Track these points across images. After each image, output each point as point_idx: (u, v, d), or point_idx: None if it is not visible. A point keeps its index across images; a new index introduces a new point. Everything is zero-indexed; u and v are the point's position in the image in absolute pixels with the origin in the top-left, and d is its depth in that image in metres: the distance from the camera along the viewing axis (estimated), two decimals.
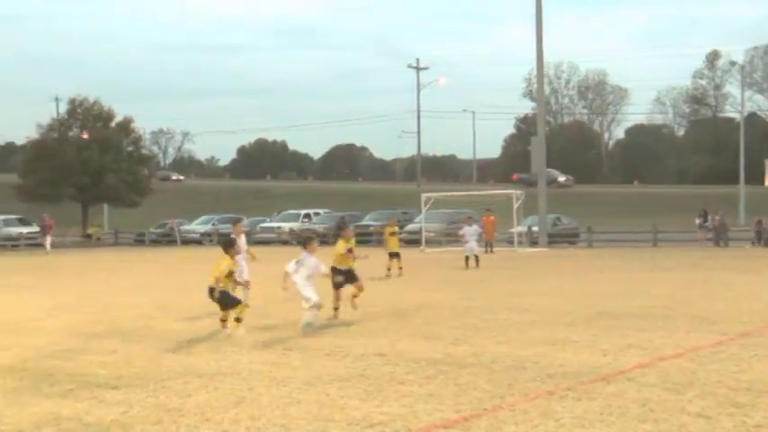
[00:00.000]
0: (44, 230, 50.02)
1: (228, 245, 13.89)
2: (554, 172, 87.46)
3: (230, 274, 13.47)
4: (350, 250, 15.22)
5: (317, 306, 13.13)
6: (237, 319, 13.15)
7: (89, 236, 61.60)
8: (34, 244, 55.65)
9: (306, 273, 13.12)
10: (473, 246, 29.20)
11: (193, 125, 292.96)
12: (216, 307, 13.47)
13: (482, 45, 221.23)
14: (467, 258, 28.75)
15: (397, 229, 26.64)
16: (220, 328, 13.44)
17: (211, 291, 13.14)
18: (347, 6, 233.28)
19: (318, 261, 13.35)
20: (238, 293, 14.24)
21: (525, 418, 7.64)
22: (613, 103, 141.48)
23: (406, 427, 7.48)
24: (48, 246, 48.65)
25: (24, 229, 57.36)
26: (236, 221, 19.75)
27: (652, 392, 8.51)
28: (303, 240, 14.11)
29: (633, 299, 17.40)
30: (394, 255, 25.78)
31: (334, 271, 14.59)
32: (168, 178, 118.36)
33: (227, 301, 13.23)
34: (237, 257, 15.93)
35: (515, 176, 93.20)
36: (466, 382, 9.26)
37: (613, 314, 14.91)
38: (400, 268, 25.26)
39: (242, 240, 17.42)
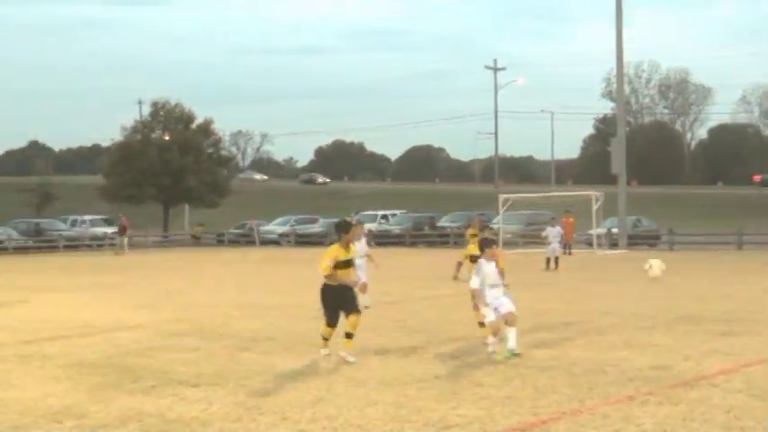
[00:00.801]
0: (121, 231, 50.56)
1: (342, 228, 11.30)
2: None
3: (347, 266, 11.02)
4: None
5: (495, 329, 11.04)
6: (348, 335, 10.88)
7: (197, 237, 62.55)
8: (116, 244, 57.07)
9: (489, 282, 11.25)
10: (555, 247, 28.99)
11: (272, 127, 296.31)
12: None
13: (561, 44, 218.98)
14: (548, 260, 28.54)
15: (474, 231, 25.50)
16: (322, 348, 11.17)
17: (324, 290, 11.02)
18: (425, 7, 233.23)
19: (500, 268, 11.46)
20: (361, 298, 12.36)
21: (605, 423, 7.53)
22: (696, 103, 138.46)
23: (483, 429, 7.44)
24: (125, 246, 49.13)
25: (109, 229, 58.72)
26: (357, 222, 19.53)
27: (737, 399, 8.30)
28: (483, 244, 11.93)
29: (715, 303, 17.01)
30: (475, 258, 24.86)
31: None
32: (251, 178, 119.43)
33: (337, 303, 10.89)
34: (357, 260, 15.72)
35: (757, 178, 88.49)
36: (544, 384, 9.17)
37: (695, 318, 14.60)
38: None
39: (362, 243, 17.09)
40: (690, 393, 8.60)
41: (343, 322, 10.89)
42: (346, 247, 11.06)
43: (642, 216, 50.66)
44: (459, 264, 13.38)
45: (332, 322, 11.02)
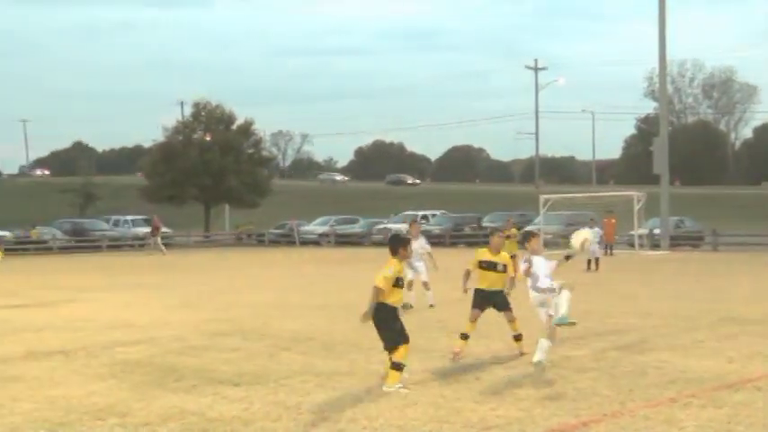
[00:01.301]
0: (154, 231, 49.76)
1: (398, 243, 9.56)
2: None
3: (397, 283, 9.28)
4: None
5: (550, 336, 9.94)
6: (397, 367, 9.17)
7: (240, 237, 62.98)
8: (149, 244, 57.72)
9: (544, 277, 10.38)
10: (594, 248, 28.78)
11: (312, 127, 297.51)
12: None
13: (602, 44, 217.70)
14: (588, 261, 28.37)
15: (515, 231, 24.19)
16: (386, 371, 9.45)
17: (378, 309, 9.17)
18: (465, 7, 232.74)
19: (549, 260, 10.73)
20: (405, 296, 11.90)
21: (647, 425, 7.46)
22: (741, 102, 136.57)
23: (523, 430, 7.41)
24: (161, 246, 47.94)
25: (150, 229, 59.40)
26: (413, 221, 19.45)
27: None
28: (524, 236, 11.33)
29: (760, 304, 16.78)
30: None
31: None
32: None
33: (387, 331, 9.25)
34: (412, 260, 15.73)
35: None
36: (585, 386, 9.11)
37: (739, 320, 14.41)
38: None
39: (421, 241, 17.24)
40: (734, 396, 8.50)
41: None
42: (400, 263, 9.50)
43: (685, 216, 50.10)
44: (468, 272, 11.49)
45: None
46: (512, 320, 11.26)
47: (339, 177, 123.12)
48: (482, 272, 11.25)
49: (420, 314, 15.68)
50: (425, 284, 17.20)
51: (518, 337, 11.26)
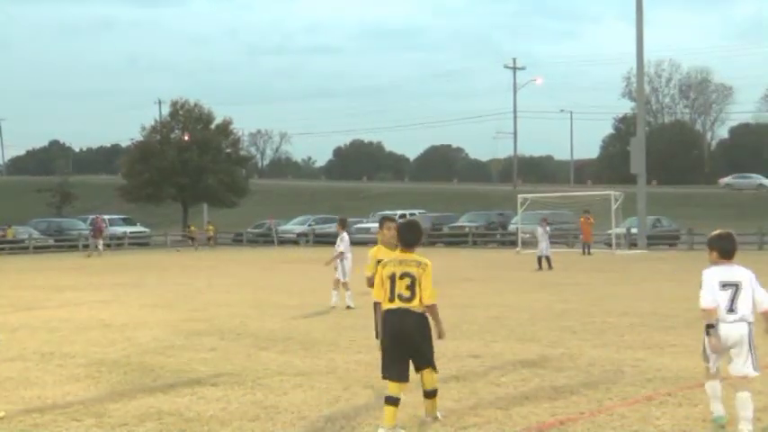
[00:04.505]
0: (96, 233, 47.21)
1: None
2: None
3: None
4: None
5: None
6: (430, 394, 7.64)
7: (192, 238, 60.18)
8: (138, 243, 57.35)
9: None
10: (543, 247, 29.25)
11: (290, 127, 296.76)
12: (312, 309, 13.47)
13: (579, 44, 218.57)
14: (539, 259, 28.94)
15: None
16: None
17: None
18: (444, 7, 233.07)
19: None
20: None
21: (623, 423, 7.50)
22: (717, 102, 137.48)
23: (501, 429, 7.43)
24: (100, 247, 46.21)
25: (129, 229, 59.13)
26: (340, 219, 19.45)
27: (758, 400, 8.23)
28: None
29: None
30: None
31: None
32: None
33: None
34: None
35: None
36: (562, 385, 9.14)
37: None
38: None
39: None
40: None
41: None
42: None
43: (662, 216, 50.43)
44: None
45: (397, 375, 7.22)
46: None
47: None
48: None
49: None
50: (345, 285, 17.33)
51: None
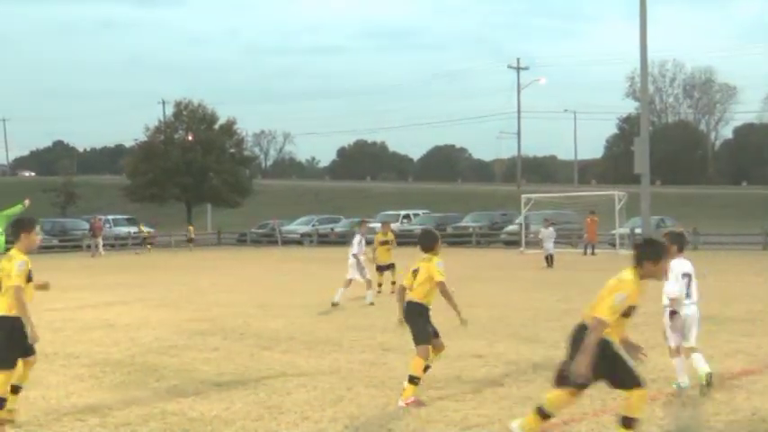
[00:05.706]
0: (94, 232, 47.18)
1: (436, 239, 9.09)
2: None
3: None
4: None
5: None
6: (414, 380, 8.46)
7: (150, 241, 57.98)
8: (139, 244, 57.21)
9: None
10: (549, 247, 30.81)
11: (294, 127, 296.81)
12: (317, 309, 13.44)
13: (583, 43, 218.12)
14: (546, 258, 30.32)
15: (391, 237, 21.47)
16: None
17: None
18: (447, 6, 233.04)
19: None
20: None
21: None
22: (721, 102, 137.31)
23: (504, 429, 7.41)
24: (100, 248, 46.06)
25: (132, 229, 59.09)
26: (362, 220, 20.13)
27: (762, 401, 8.23)
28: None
29: (740, 303, 16.87)
30: (384, 268, 20.69)
31: None
32: None
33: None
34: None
35: None
36: None
37: (719, 318, 14.47)
38: (393, 283, 19.14)
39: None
40: (714, 394, 8.53)
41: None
42: None
43: (666, 216, 50.35)
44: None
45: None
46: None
47: None
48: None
49: None
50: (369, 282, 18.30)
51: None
